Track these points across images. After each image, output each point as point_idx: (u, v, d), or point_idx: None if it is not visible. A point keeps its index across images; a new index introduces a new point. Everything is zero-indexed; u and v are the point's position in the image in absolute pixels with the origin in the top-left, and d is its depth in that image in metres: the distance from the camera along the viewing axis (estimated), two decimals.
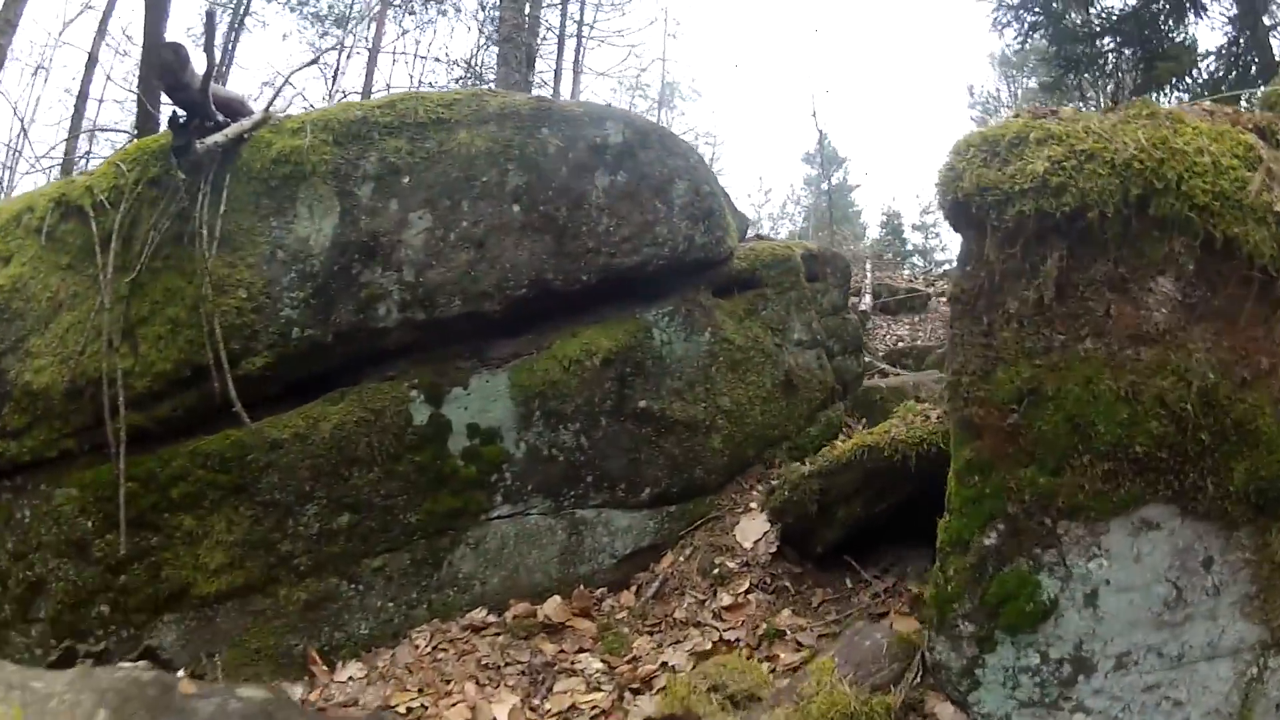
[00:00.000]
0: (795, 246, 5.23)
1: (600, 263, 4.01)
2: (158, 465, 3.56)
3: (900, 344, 12.65)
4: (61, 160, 12.04)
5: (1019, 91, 22.74)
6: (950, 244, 31.90)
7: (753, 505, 4.26)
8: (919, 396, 4.88)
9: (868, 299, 13.40)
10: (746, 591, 3.86)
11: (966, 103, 28.94)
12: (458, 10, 16.32)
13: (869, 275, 14.90)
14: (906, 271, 17.73)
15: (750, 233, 6.62)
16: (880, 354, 11.82)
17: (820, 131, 28.98)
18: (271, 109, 4.79)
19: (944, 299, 15.12)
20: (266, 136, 4.00)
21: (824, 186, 30.93)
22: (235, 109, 4.30)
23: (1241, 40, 6.52)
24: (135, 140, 5.49)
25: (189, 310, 3.70)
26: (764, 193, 34.43)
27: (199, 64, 3.86)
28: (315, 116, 4.09)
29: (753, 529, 4.11)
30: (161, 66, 3.83)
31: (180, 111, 3.97)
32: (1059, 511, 2.21)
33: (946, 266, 23.03)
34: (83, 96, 15.46)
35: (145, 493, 3.52)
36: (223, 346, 3.62)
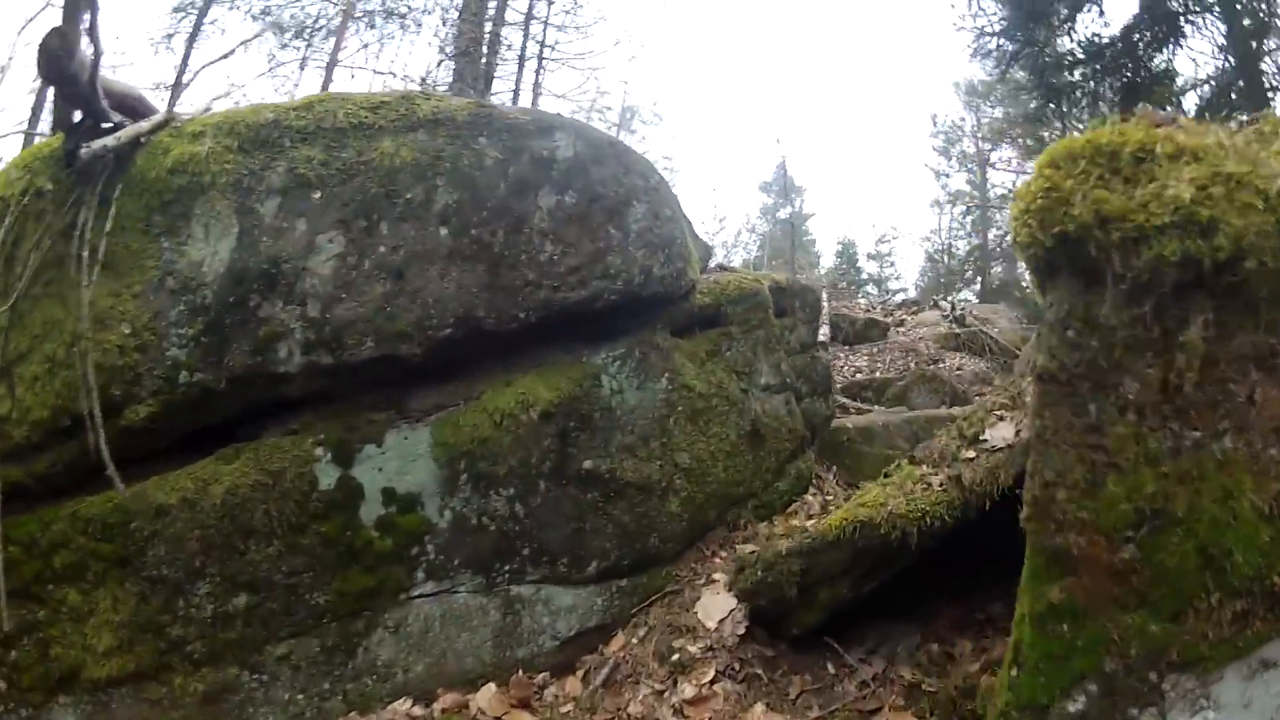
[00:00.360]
0: (763, 279, 4.75)
1: (541, 298, 3.47)
2: (39, 528, 3.06)
3: (859, 375, 12.31)
4: None
5: (984, 121, 22.86)
6: (905, 273, 32.07)
7: (716, 576, 3.73)
8: (909, 452, 4.43)
9: (825, 330, 13.03)
10: (712, 681, 3.31)
11: (929, 131, 29.13)
12: (418, 25, 15.72)
13: (826, 305, 14.58)
14: (863, 301, 17.50)
15: (711, 262, 6.14)
16: (839, 386, 11.46)
17: (782, 160, 28.90)
18: (176, 109, 4.17)
19: (901, 329, 14.94)
20: (165, 141, 3.40)
21: (783, 214, 30.92)
22: (134, 107, 3.71)
23: (1228, 67, 6.30)
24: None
25: (66, 347, 3.10)
26: (719, 220, 34.15)
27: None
28: (220, 118, 3.49)
29: (716, 606, 3.57)
30: (45, 54, 3.21)
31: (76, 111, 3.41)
32: (1169, 665, 1.66)
33: (901, 296, 22.95)
34: (40, 98, 14.47)
35: (28, 559, 3.03)
36: (97, 393, 3.03)
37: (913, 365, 12.92)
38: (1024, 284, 20.61)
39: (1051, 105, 8.03)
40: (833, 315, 13.92)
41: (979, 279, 20.62)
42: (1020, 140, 20.42)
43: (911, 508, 2.76)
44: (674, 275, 3.86)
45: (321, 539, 3.19)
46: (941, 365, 13.11)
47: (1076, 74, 7.57)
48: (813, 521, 3.63)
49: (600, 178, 3.64)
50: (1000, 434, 3.09)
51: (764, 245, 32.28)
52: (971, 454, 3.06)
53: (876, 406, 10.36)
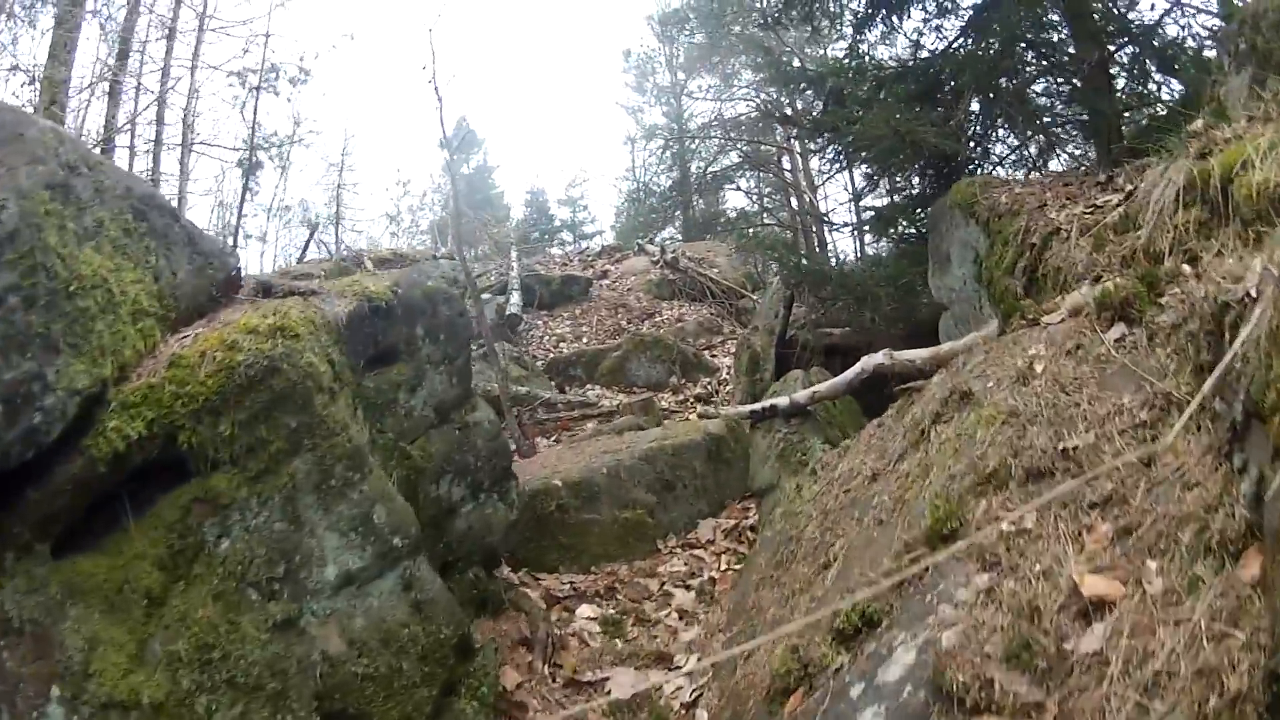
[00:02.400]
0: (320, 309, 2.32)
1: None
2: None
3: (563, 347, 10.17)
4: None
5: (679, 50, 21.34)
6: (601, 216, 30.66)
7: None
8: (654, 507, 2.28)
9: (516, 297, 10.79)
10: None
11: (621, 67, 27.49)
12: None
13: (515, 266, 12.33)
14: (557, 252, 15.47)
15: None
16: (540, 364, 9.34)
17: (462, 116, 25.90)
18: None
19: (606, 281, 13.10)
20: None
21: (466, 170, 28.13)
22: None
23: None
24: None
25: None
26: (402, 185, 30.65)
27: None
28: None
29: None
30: None
31: None
32: None
33: (599, 242, 21.27)
34: None
35: None
36: None
37: (624, 324, 11.13)
38: (730, 213, 19.77)
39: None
40: (525, 276, 11.71)
41: (679, 215, 19.36)
42: (720, 66, 19.18)
43: None
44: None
45: None
46: (659, 318, 11.47)
47: None
48: None
49: None
50: None
51: (448, 204, 29.46)
52: None
53: (591, 389, 8.28)
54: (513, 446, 4.58)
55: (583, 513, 4.02)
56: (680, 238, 16.36)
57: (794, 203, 17.94)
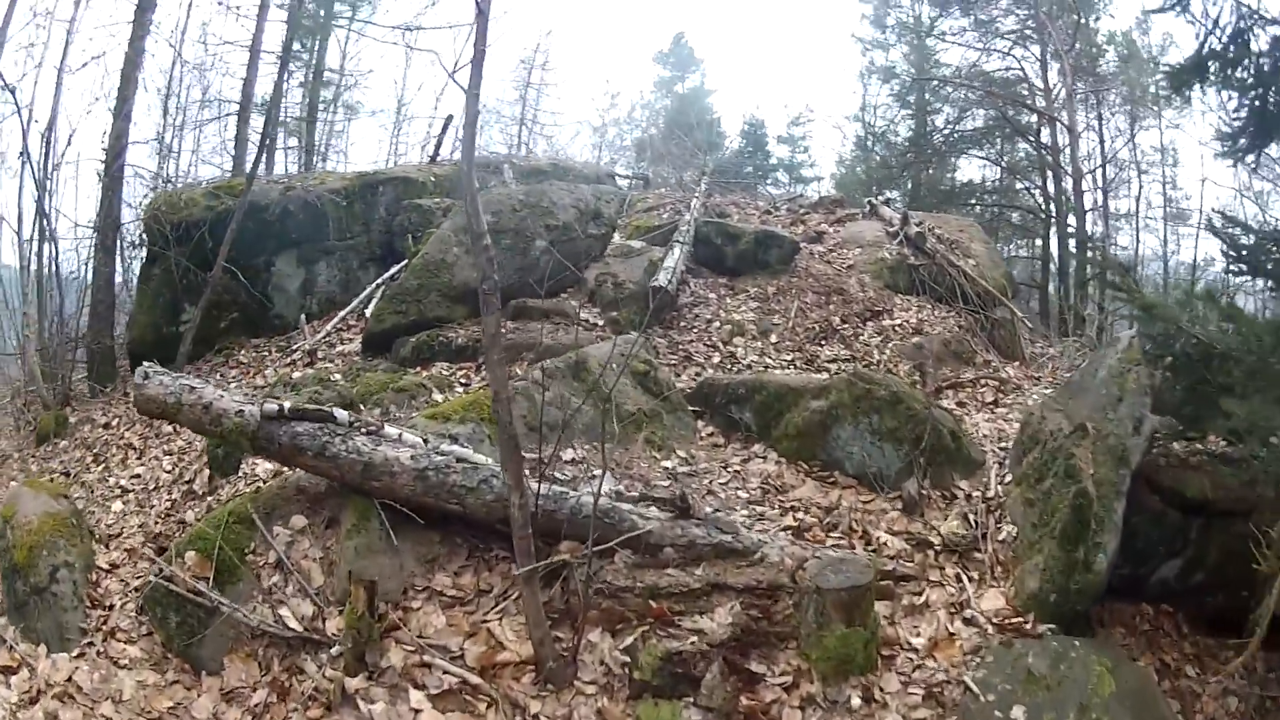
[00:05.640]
0: None
1: None
2: None
3: (735, 346, 6.31)
4: None
5: None
6: (822, 161, 26.09)
7: None
8: None
9: (675, 258, 6.94)
10: None
11: None
12: None
13: (693, 207, 8.48)
14: (762, 199, 11.47)
15: None
16: (685, 382, 5.66)
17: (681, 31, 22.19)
18: None
19: (819, 247, 8.91)
20: None
21: (680, 89, 24.49)
22: None
23: None
24: None
25: None
26: (610, 97, 27.65)
27: None
28: None
29: None
30: None
31: None
32: None
33: (814, 191, 16.92)
34: None
35: None
36: None
37: (838, 323, 7.02)
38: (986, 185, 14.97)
39: None
40: (704, 224, 7.86)
41: (908, 178, 14.78)
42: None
43: None
44: None
45: None
46: (887, 321, 7.30)
47: None
48: None
49: None
50: None
51: (655, 122, 25.96)
52: None
53: (740, 487, 4.19)
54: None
55: None
56: (900, 203, 12.05)
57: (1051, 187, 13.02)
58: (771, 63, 51.69)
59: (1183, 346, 3.84)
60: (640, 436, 4.59)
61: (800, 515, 4.17)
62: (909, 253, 8.16)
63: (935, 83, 14.93)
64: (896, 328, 7.04)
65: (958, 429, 4.58)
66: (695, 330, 6.58)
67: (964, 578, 3.82)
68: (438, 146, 11.18)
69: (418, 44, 17.28)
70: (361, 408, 4.67)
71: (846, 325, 6.94)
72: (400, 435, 3.75)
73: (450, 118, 11.19)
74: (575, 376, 4.75)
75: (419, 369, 5.72)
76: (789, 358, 6.31)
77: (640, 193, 11.26)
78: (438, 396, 5.13)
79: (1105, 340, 10.52)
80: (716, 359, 6.15)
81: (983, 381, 6.50)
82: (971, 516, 4.16)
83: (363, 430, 3.67)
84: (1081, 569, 3.40)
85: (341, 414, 3.73)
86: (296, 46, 12.86)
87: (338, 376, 5.76)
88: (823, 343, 6.64)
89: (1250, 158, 4.17)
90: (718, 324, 6.69)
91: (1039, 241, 15.34)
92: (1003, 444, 5.22)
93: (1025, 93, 13.78)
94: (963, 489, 4.44)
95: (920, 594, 3.71)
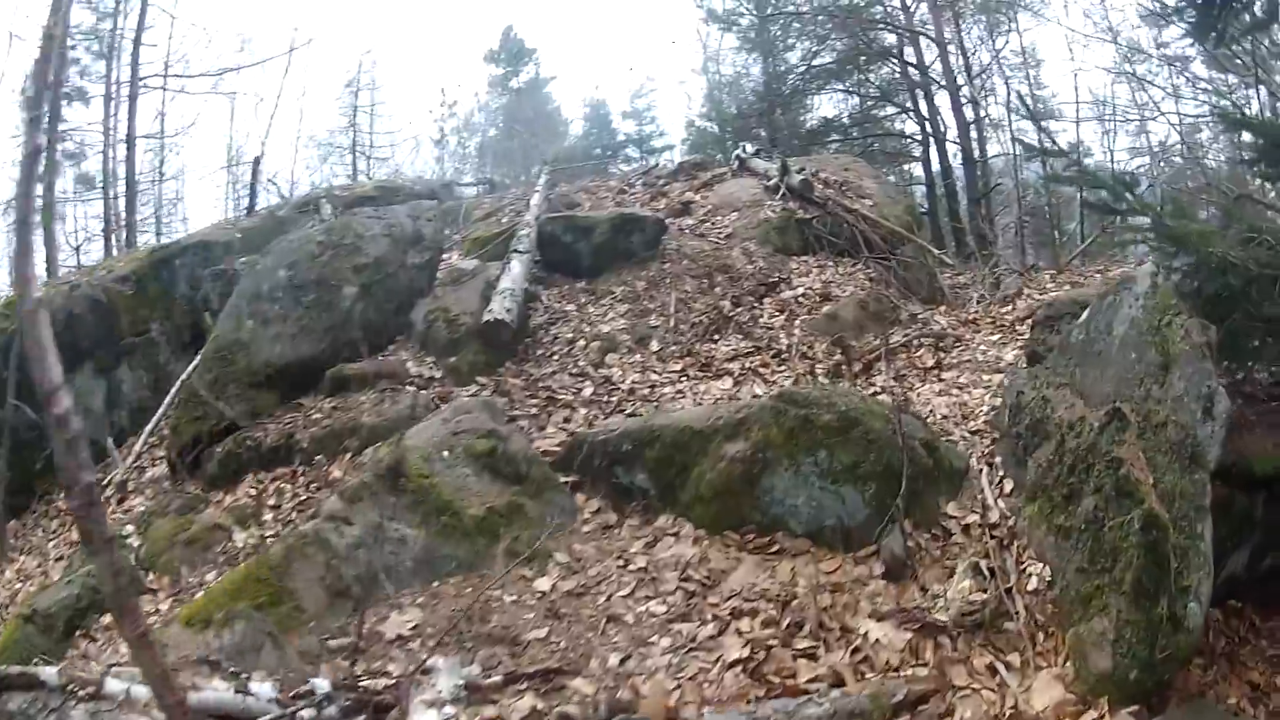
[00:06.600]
0: None
1: None
2: None
3: (612, 375, 4.84)
4: None
5: None
6: (671, 129, 24.93)
7: None
8: None
9: (516, 272, 5.39)
10: None
11: None
12: None
13: (534, 202, 6.95)
14: (615, 180, 9.99)
15: None
16: (553, 441, 4.02)
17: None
18: None
19: (690, 220, 7.46)
20: None
21: (516, 84, 22.84)
22: None
23: None
24: None
25: None
26: (447, 106, 25.62)
27: None
28: None
29: None
30: None
31: None
32: None
33: (669, 160, 15.64)
34: None
35: None
36: None
37: (730, 309, 5.59)
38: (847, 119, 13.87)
39: None
40: (545, 221, 6.35)
41: (764, 124, 13.64)
42: None
43: None
44: None
45: None
46: (786, 294, 5.92)
47: None
48: None
49: None
50: None
51: (495, 121, 24.35)
52: None
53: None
54: None
55: None
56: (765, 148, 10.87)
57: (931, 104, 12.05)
58: (608, 36, 50.16)
59: (1223, 276, 2.63)
60: (499, 550, 3.17)
61: (747, 625, 2.78)
62: (795, 206, 6.85)
63: (785, 17, 13.78)
64: (800, 299, 5.73)
65: (931, 435, 3.27)
66: (556, 357, 5.09)
67: (999, 667, 2.55)
68: (252, 196, 9.36)
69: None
70: (151, 575, 3.82)
71: (740, 308, 5.57)
72: (128, 692, 2.41)
73: (258, 159, 9.38)
74: (393, 489, 3.30)
75: (228, 489, 4.42)
76: (678, 368, 4.91)
77: (474, 199, 9.65)
78: (239, 539, 3.95)
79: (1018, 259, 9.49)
80: (589, 391, 4.67)
81: (915, 342, 5.27)
82: (983, 564, 2.85)
83: (79, 694, 2.45)
84: (1168, 628, 2.28)
85: (50, 674, 2.43)
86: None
87: (130, 529, 4.35)
88: (716, 338, 5.26)
89: None
90: (583, 343, 5.21)
91: (912, 169, 14.52)
92: (970, 423, 3.99)
93: (881, 11, 12.84)
94: (954, 517, 3.16)
95: (949, 714, 2.41)
